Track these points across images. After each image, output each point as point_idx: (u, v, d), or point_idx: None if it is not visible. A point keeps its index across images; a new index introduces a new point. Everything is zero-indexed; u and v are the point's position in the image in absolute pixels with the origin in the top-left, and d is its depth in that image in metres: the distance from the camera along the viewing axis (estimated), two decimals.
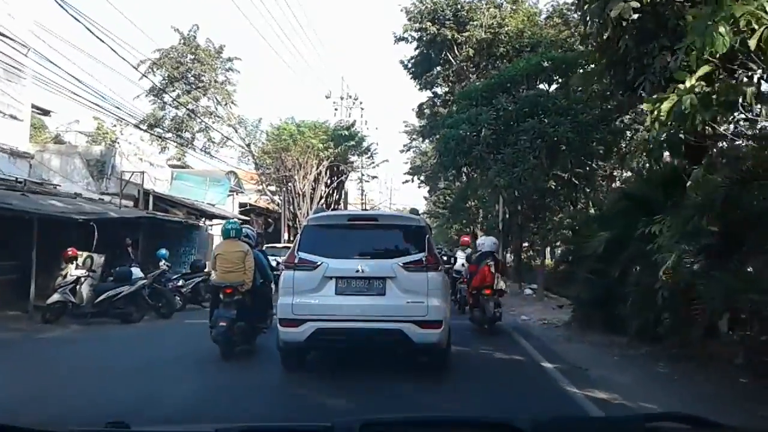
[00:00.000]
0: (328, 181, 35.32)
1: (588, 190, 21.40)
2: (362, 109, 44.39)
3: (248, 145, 32.66)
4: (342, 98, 42.77)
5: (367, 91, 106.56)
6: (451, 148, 18.76)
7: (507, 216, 33.99)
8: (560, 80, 19.46)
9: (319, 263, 7.25)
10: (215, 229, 26.64)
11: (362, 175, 40.63)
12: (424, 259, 7.36)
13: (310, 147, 31.41)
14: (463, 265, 15.11)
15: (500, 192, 30.42)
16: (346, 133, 33.47)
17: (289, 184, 32.42)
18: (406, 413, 4.48)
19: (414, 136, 64.48)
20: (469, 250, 15.74)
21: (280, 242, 31.44)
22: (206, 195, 26.89)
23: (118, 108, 21.05)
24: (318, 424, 1.99)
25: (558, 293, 20.64)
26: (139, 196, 20.02)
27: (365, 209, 54.07)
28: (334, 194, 38.20)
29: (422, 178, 64.41)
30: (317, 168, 32.36)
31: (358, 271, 7.26)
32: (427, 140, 62.29)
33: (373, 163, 41.13)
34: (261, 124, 33.08)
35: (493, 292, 11.96)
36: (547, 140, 17.56)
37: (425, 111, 40.96)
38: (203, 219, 24.18)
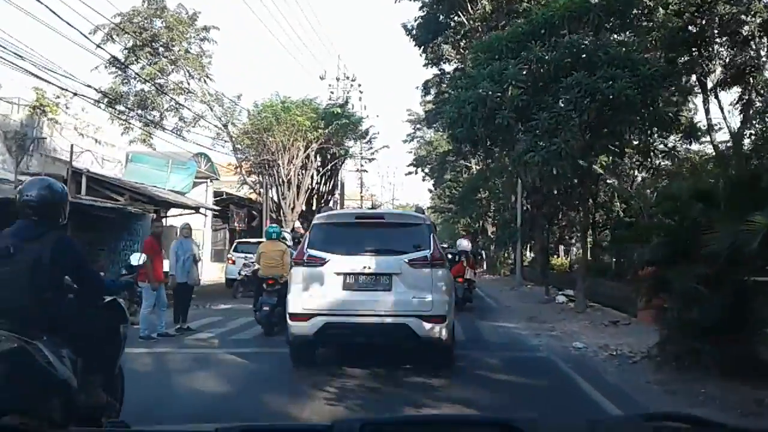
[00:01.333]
0: (319, 168, 30.76)
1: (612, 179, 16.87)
2: (361, 92, 39.63)
3: (225, 125, 28.03)
4: (338, 79, 38.08)
5: (369, 77, 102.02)
6: (467, 114, 14.10)
7: (528, 208, 29.39)
8: (613, 24, 14.73)
9: (327, 260, 7.49)
10: (176, 221, 22.14)
11: (360, 162, 35.59)
12: (429, 256, 7.55)
13: (297, 126, 26.82)
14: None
15: (522, 177, 25.78)
16: (339, 110, 28.81)
17: (273, 170, 27.84)
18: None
19: (418, 126, 60.04)
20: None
21: (263, 237, 26.89)
22: (168, 180, 22.30)
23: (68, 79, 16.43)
24: (318, 424, 2.08)
25: (600, 302, 16.13)
26: (68, 176, 15.40)
27: (366, 207, 50.27)
28: (328, 183, 33.60)
29: (426, 170, 59.90)
30: (305, 151, 27.77)
31: (365, 267, 7.47)
32: (431, 129, 58.18)
33: (371, 148, 36.46)
34: (241, 101, 28.35)
35: (464, 280, 16.02)
36: (600, 99, 12.92)
37: (431, 89, 36.48)
38: (159, 209, 19.67)
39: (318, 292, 7.50)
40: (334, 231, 7.91)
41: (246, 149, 27.96)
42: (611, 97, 12.84)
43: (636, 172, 26.93)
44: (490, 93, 13.78)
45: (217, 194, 27.63)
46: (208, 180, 26.41)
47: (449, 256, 13.81)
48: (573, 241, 37.49)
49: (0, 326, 3.40)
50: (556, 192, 19.34)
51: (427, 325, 7.32)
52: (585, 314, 14.55)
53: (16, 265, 3.55)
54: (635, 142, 15.39)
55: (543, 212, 22.80)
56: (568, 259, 38.06)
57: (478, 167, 39.69)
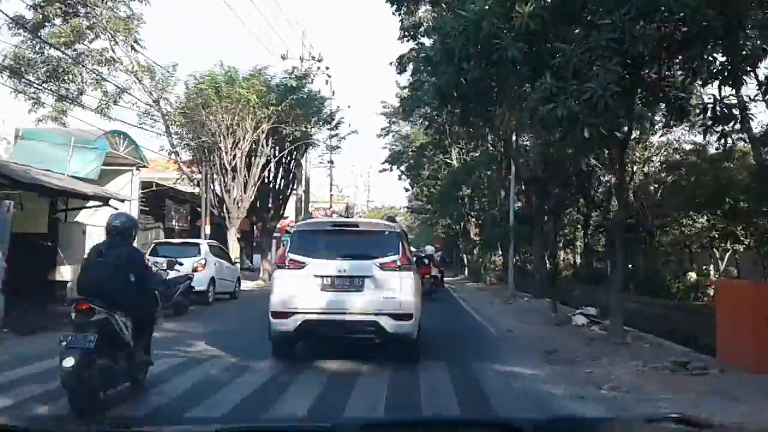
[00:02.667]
0: (274, 155, 25.87)
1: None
2: (329, 75, 34.87)
3: (156, 101, 23.01)
4: (302, 59, 33.27)
5: (340, 67, 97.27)
6: (452, 49, 9.43)
7: (520, 204, 24.82)
8: None
9: (306, 263, 8.31)
10: (86, 216, 17.20)
11: (326, 150, 30.82)
12: (398, 260, 8.37)
13: (243, 103, 21.96)
14: None
15: (517, 163, 21.27)
16: (296, 84, 24.00)
17: (214, 155, 22.94)
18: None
19: (394, 119, 55.40)
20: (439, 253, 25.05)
21: (200, 237, 22.03)
22: (69, 163, 17.33)
23: None
24: (318, 424, 2.11)
25: (629, 324, 11.55)
26: None
27: (339, 209, 48.17)
28: (287, 177, 28.75)
29: (403, 168, 55.25)
30: (253, 133, 22.93)
31: (340, 270, 8.24)
32: (408, 124, 53.59)
33: (337, 134, 31.66)
34: (176, 71, 23.32)
35: (431, 276, 20.94)
36: (667, 19, 8.32)
37: (407, 66, 31.88)
38: (55, 200, 14.74)
39: (298, 293, 8.18)
40: (313, 238, 8.83)
41: (181, 129, 22.98)
42: (680, 16, 8.24)
43: (634, 168, 22.91)
44: (496, 16, 9.09)
45: (146, 185, 22.64)
46: (134, 168, 21.38)
47: (422, 258, 20.56)
48: (560, 244, 33.08)
49: (95, 302, 5.71)
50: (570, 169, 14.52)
51: (396, 323, 8.06)
52: (627, 347, 9.94)
53: (106, 263, 6.05)
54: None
55: (546, 207, 18.18)
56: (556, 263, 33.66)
57: (459, 161, 35.15)
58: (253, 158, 23.32)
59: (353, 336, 8.39)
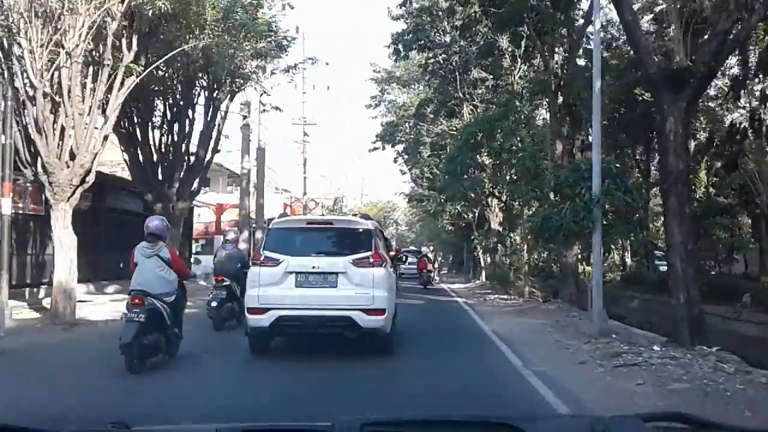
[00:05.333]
0: (170, 85, 15.00)
1: None
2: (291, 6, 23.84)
3: None
4: None
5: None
6: None
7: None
8: None
9: (281, 260, 8.38)
10: None
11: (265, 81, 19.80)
12: (370, 256, 8.44)
13: None
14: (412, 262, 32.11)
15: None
16: None
17: (14, 65, 12.05)
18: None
19: (385, 86, 44.54)
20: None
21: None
22: None
23: None
24: (318, 424, 2.03)
25: None
26: None
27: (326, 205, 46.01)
28: (209, 132, 17.94)
29: (399, 149, 44.39)
30: (97, 14, 11.89)
31: (314, 267, 8.35)
32: (403, 89, 42.69)
33: (293, 69, 20.73)
34: None
35: (427, 271, 26.48)
36: None
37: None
38: None
39: (273, 289, 8.31)
40: (288, 235, 9.02)
41: None
42: None
43: None
44: None
45: None
46: None
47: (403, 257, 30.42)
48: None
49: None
50: None
51: (368, 318, 8.18)
52: None
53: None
54: None
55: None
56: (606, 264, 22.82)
57: (473, 116, 24.23)
58: (97, 72, 12.32)
59: (327, 331, 8.50)
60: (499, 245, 23.78)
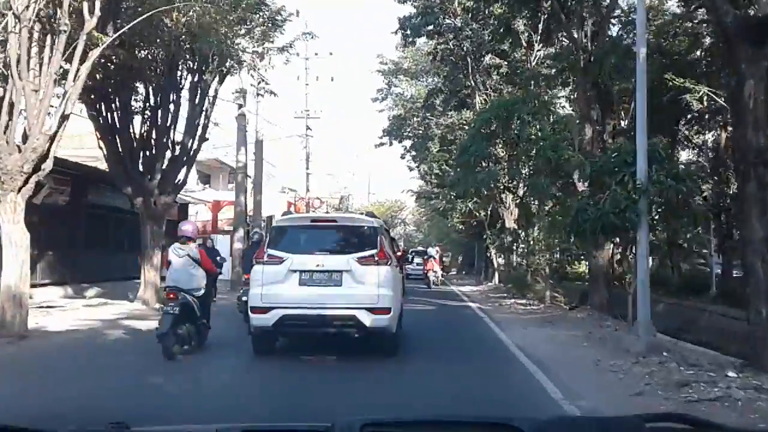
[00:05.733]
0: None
1: None
2: None
3: None
4: None
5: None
6: None
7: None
8: None
9: (284, 258, 8.25)
10: None
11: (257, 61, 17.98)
12: (375, 254, 8.25)
13: None
14: (419, 263, 30.55)
15: None
16: None
17: None
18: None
19: (392, 79, 42.66)
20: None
21: None
22: None
23: None
24: (318, 424, 2.04)
25: None
26: None
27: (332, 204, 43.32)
28: (195, 119, 16.20)
29: (407, 145, 42.47)
30: None
31: (318, 265, 8.19)
32: (411, 81, 40.76)
33: (289, 48, 18.91)
34: None
35: (433, 271, 26.98)
36: None
37: None
38: None
39: (276, 288, 8.18)
40: (292, 232, 8.82)
41: None
42: None
43: None
44: None
45: None
46: None
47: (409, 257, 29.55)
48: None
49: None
50: None
51: (374, 317, 7.99)
52: None
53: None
54: None
55: None
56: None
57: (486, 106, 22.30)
58: (60, 38, 10.49)
59: (332, 330, 8.31)
60: (514, 245, 21.83)
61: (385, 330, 8.17)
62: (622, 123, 15.00)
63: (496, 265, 29.17)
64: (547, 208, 18.27)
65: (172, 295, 8.45)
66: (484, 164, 19.84)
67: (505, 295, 21.72)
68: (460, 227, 33.25)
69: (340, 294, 8.07)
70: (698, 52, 18.14)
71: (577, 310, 14.62)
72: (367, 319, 7.94)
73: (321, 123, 57.94)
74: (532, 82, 18.86)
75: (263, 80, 20.55)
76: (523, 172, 19.41)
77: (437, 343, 10.38)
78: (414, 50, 39.16)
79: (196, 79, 16.20)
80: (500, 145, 20.12)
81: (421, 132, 38.64)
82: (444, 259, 43.16)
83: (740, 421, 5.30)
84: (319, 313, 8.02)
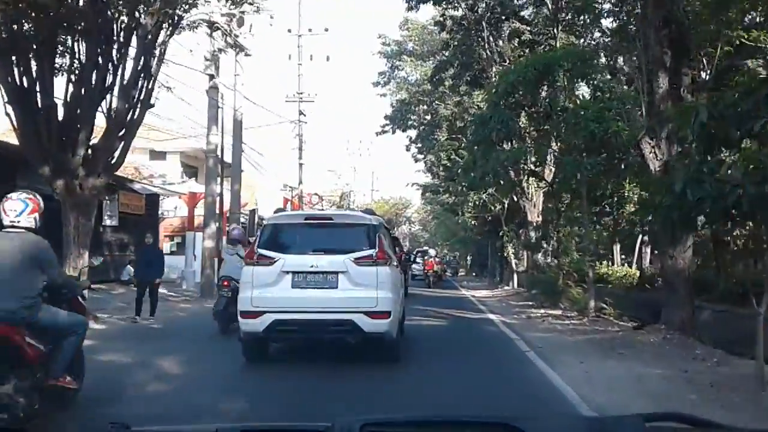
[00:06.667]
0: None
1: None
2: None
3: None
4: None
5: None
6: None
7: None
8: None
9: (276, 259, 7.66)
10: None
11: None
12: (374, 254, 7.69)
13: None
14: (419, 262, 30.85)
15: None
16: None
17: None
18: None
19: (396, 61, 38.77)
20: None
21: None
22: None
23: None
24: (318, 424, 1.99)
25: None
26: None
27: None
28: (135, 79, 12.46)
29: (412, 135, 38.54)
30: None
31: (312, 266, 7.62)
32: (416, 62, 36.81)
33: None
34: None
35: (433, 271, 28.31)
36: None
37: None
38: None
39: (267, 291, 7.63)
40: (284, 231, 8.28)
41: None
42: None
43: None
44: None
45: None
46: None
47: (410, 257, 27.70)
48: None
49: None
50: None
51: (372, 321, 7.47)
52: None
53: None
54: None
55: None
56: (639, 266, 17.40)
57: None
58: None
59: (327, 336, 7.99)
60: (543, 241, 17.96)
61: (384, 336, 7.65)
62: (703, 75, 11.15)
63: (513, 267, 25.27)
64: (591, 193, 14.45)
65: (225, 283, 10.08)
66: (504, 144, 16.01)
67: (531, 303, 17.85)
68: (473, 223, 29.28)
69: (336, 297, 7.59)
70: None
71: (643, 329, 10.71)
72: (364, 323, 7.47)
73: (319, 115, 54.11)
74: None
75: (235, 38, 16.84)
76: (554, 147, 15.57)
77: (454, 395, 6.51)
78: (420, 28, 35.52)
79: (131, 26, 12.40)
80: (525, 118, 16.30)
81: (427, 120, 34.89)
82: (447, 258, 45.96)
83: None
84: (313, 318, 7.60)
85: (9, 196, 4.88)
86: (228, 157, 21.60)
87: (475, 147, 15.61)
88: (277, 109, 40.92)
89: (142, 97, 12.77)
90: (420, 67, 35.09)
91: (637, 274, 16.81)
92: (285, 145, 36.46)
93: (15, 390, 4.50)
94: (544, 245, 17.84)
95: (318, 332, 7.78)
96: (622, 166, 13.86)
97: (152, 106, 13.41)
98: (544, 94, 15.36)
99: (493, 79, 21.21)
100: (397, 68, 37.54)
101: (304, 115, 32.58)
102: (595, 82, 14.81)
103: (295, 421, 2.22)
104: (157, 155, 32.33)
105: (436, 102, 31.92)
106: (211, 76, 19.08)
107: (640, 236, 17.27)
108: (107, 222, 20.30)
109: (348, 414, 2.24)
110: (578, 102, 14.63)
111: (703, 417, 2.13)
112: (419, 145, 37.62)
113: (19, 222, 4.81)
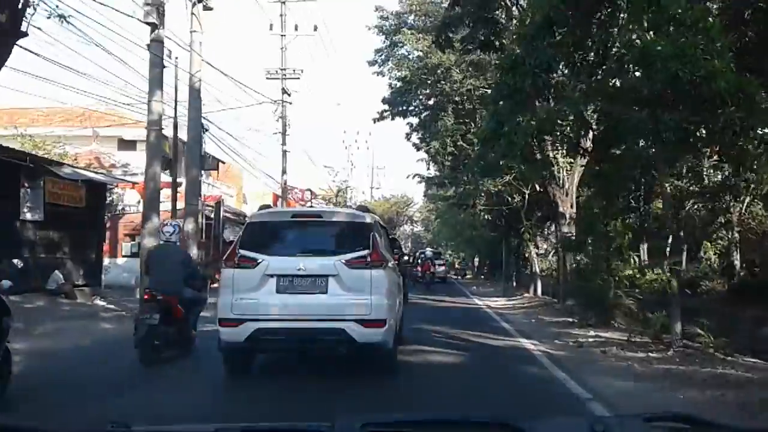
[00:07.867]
0: None
1: None
2: None
3: None
4: None
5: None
6: None
7: None
8: None
9: (259, 261, 7.11)
10: None
11: None
12: (368, 256, 7.13)
13: None
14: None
15: None
16: None
17: None
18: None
19: (394, 37, 34.35)
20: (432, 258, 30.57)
21: None
22: None
23: None
24: (318, 424, 1.98)
25: None
26: None
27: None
28: None
29: (413, 122, 34.15)
30: None
31: (299, 269, 7.08)
32: (419, 38, 32.43)
33: None
34: None
35: (430, 272, 28.69)
36: None
37: None
38: None
39: (249, 296, 7.04)
40: (269, 230, 7.67)
41: None
42: None
43: None
44: None
45: None
46: None
47: (408, 258, 22.08)
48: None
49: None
50: None
51: (365, 330, 6.89)
52: None
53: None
54: None
55: None
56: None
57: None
58: None
59: (315, 346, 7.32)
60: (589, 239, 13.53)
61: (379, 346, 6.97)
62: None
63: (537, 270, 20.86)
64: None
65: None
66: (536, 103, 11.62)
67: (571, 320, 13.46)
68: (486, 218, 24.83)
69: (326, 303, 6.93)
70: None
71: None
72: (357, 333, 6.79)
73: (309, 102, 49.76)
74: None
75: None
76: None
77: None
78: None
79: None
80: (565, 69, 11.93)
81: (430, 105, 30.62)
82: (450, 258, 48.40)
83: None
84: (300, 326, 6.96)
85: (165, 222, 9.46)
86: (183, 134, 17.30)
87: (500, 103, 11.17)
88: (260, 90, 36.34)
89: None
90: (422, 40, 30.76)
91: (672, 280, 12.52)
92: (273, 139, 32.04)
93: (177, 330, 8.23)
94: (589, 243, 13.40)
95: (305, 342, 7.18)
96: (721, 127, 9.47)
97: (26, 34, 9.02)
98: (596, 32, 11.02)
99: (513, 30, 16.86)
100: (396, 45, 33.21)
101: (289, 95, 28.21)
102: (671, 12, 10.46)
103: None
104: (126, 144, 28.53)
105: (441, 81, 27.67)
106: (154, 26, 14.72)
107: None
108: (27, 216, 15.96)
109: (348, 414, 2.05)
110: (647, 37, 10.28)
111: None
112: (420, 134, 33.35)
113: (171, 239, 8.84)
